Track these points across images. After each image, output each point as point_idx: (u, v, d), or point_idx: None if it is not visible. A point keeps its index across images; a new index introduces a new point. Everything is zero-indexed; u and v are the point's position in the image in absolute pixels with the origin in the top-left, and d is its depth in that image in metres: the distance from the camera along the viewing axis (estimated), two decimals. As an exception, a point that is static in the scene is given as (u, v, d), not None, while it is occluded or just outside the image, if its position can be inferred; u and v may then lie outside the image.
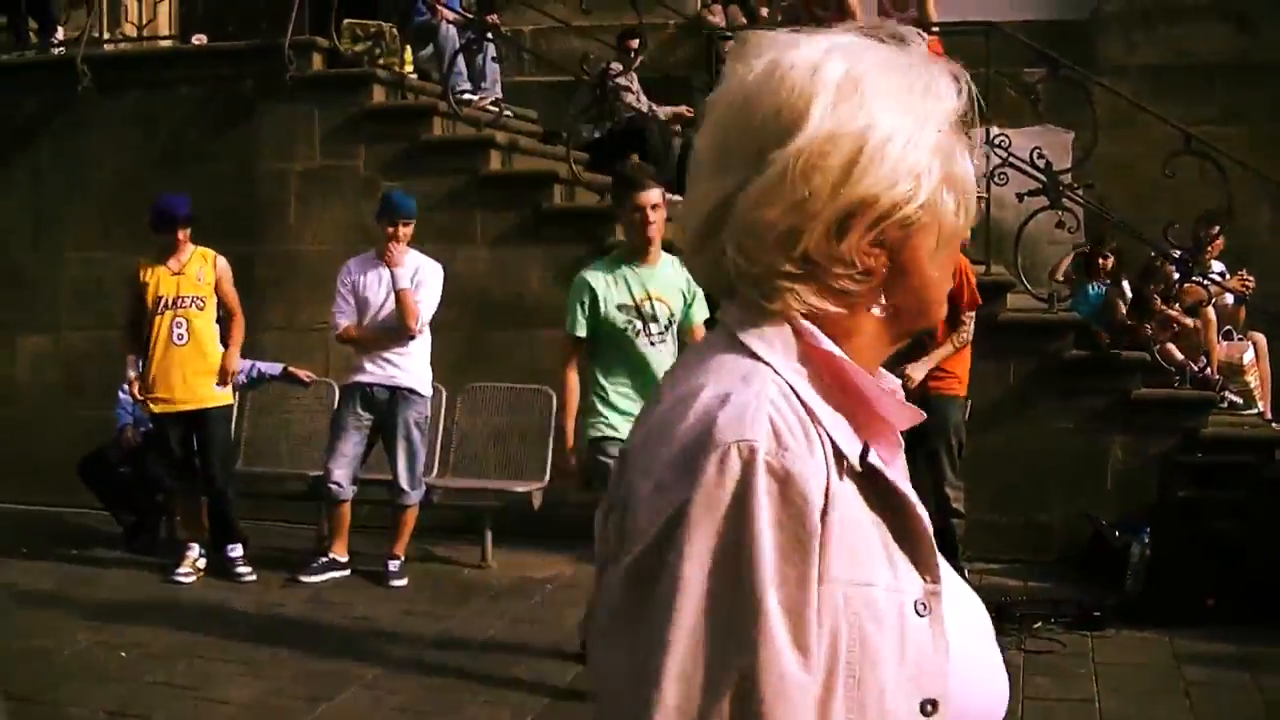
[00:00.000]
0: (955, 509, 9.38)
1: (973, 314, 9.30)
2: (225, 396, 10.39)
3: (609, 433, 7.43)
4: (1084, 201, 11.18)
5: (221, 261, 10.34)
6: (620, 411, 7.43)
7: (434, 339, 10.32)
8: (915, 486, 1.83)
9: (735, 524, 1.60)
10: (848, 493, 1.69)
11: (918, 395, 8.61)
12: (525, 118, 13.98)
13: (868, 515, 1.72)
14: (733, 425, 1.64)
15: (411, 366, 10.13)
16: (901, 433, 1.87)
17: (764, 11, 15.01)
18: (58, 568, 10.45)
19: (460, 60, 13.05)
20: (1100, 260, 12.02)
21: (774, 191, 1.71)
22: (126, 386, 10.40)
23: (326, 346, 11.49)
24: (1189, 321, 11.26)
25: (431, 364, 10.31)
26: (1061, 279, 12.41)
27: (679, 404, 1.72)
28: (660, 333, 7.53)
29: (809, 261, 1.74)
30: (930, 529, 1.79)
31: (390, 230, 10.11)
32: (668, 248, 7.69)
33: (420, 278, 10.12)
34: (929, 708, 1.71)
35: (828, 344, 1.76)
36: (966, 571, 8.84)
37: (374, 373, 10.09)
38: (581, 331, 7.55)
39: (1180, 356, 11.01)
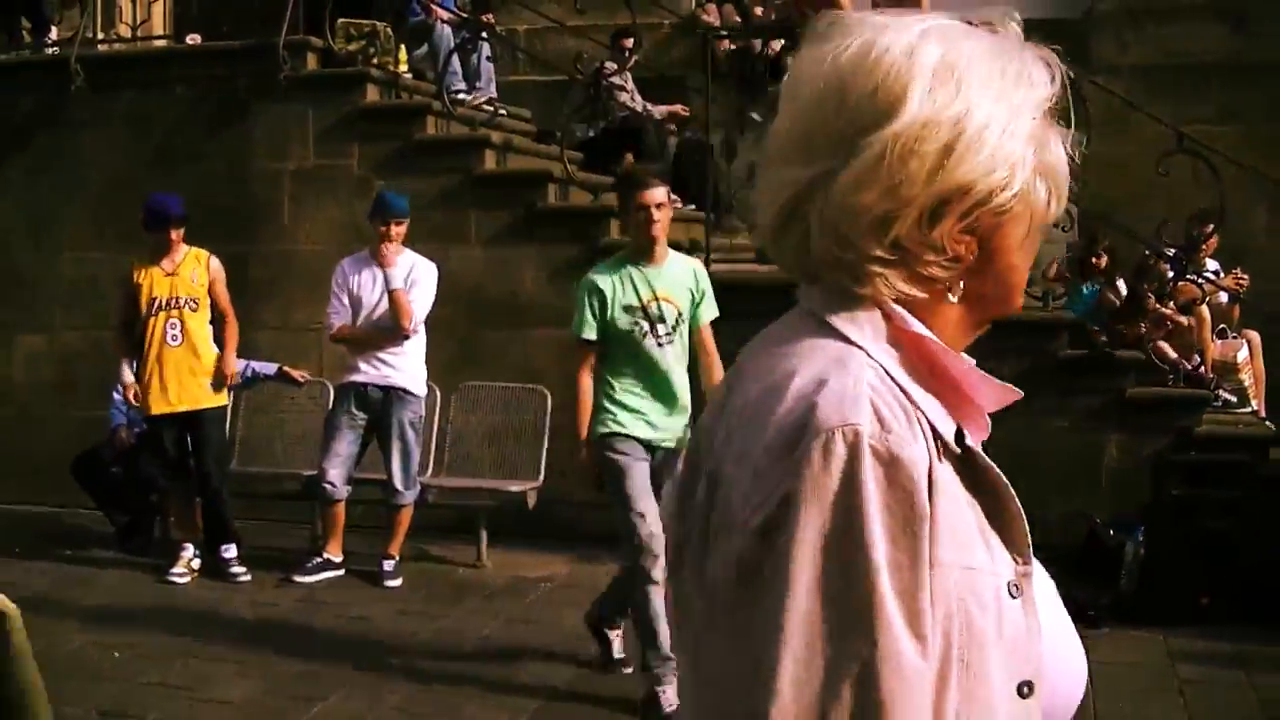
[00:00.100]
0: None
1: None
2: (220, 397, 10.38)
3: (616, 429, 7.40)
4: (1077, 200, 11.18)
5: (215, 262, 10.33)
6: (628, 409, 7.41)
7: (428, 338, 10.32)
8: None
9: (844, 510, 1.59)
10: (946, 475, 1.69)
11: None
12: (519, 117, 13.96)
13: (964, 496, 1.71)
14: (835, 410, 1.63)
15: (406, 366, 10.13)
16: None
17: (758, 11, 15.02)
18: (52, 568, 10.43)
19: (455, 60, 13.04)
20: (1094, 259, 12.01)
21: (869, 176, 1.70)
22: (121, 389, 10.39)
23: (321, 346, 11.49)
24: (1183, 319, 11.26)
25: (426, 363, 10.32)
26: (1055, 278, 12.41)
27: (771, 389, 1.71)
28: (668, 333, 7.47)
29: (900, 247, 1.73)
30: (1022, 510, 1.79)
31: (383, 230, 10.10)
32: (675, 246, 7.67)
33: (414, 277, 10.11)
34: (1025, 690, 1.72)
35: (918, 326, 1.76)
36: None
37: (368, 372, 10.09)
38: (591, 334, 7.46)
39: (1173, 355, 11.00)
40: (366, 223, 10.44)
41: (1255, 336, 11.93)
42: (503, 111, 13.25)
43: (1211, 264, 11.98)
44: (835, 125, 1.73)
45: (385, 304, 10.04)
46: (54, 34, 13.64)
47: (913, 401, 1.70)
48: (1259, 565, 8.88)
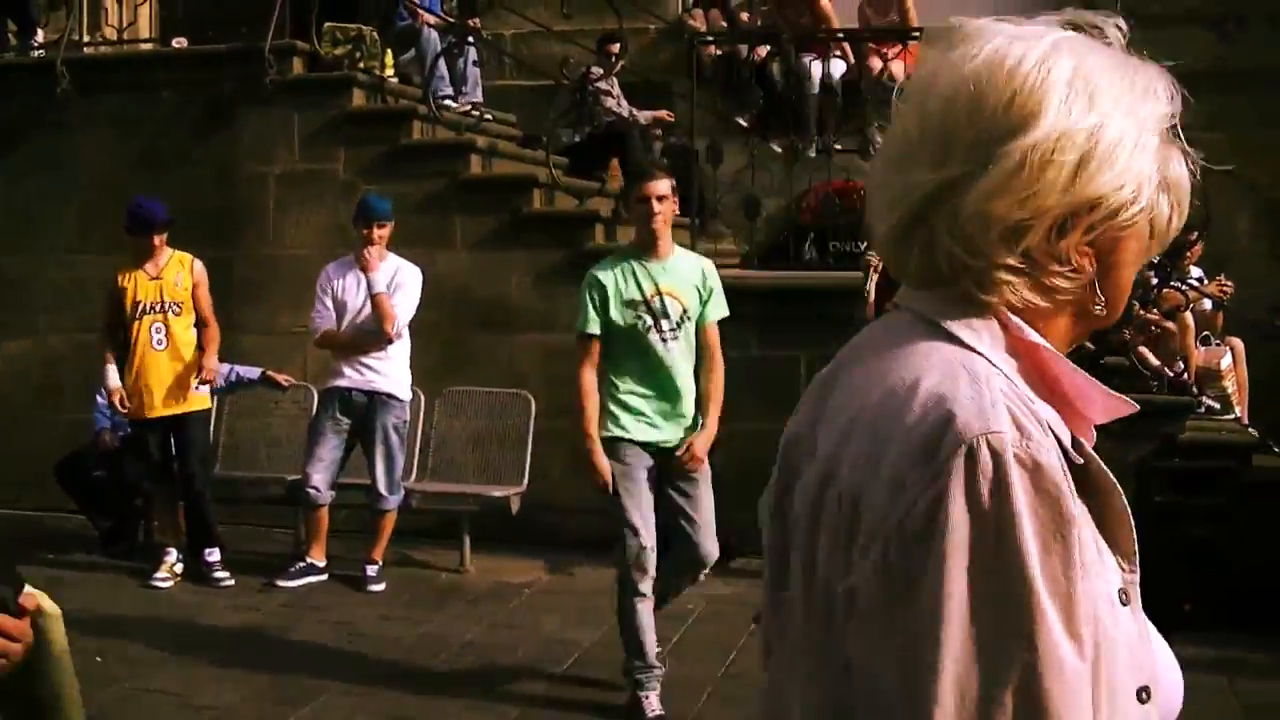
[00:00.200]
0: None
1: None
2: (204, 400, 10.37)
3: (620, 434, 7.35)
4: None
5: (198, 266, 10.32)
6: (631, 410, 7.35)
7: (413, 343, 10.32)
8: None
9: (995, 517, 1.59)
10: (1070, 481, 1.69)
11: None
12: (505, 122, 13.95)
13: (1081, 503, 1.71)
14: (976, 417, 1.63)
15: (390, 371, 10.13)
16: None
17: (744, 16, 15.03)
18: (34, 572, 10.35)
19: (441, 64, 13.04)
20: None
21: (1006, 184, 1.71)
22: (106, 393, 10.36)
23: (305, 350, 11.46)
24: (1169, 325, 11.27)
25: (410, 368, 10.31)
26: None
27: (894, 397, 1.71)
28: (672, 329, 7.37)
29: (1029, 257, 1.74)
30: (1132, 517, 1.80)
31: (366, 233, 10.11)
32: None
33: (398, 281, 10.11)
34: (1144, 695, 1.74)
35: (1034, 336, 1.77)
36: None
37: (352, 377, 10.09)
38: (594, 329, 7.36)
39: (1156, 362, 11.01)
40: (352, 227, 10.42)
41: (1238, 343, 11.94)
42: (488, 116, 13.24)
43: (1195, 271, 11.99)
44: (969, 132, 1.74)
45: (369, 308, 10.04)
46: (40, 36, 13.61)
47: (1034, 409, 1.70)
48: (1243, 572, 8.90)
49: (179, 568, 10.29)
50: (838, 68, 13.85)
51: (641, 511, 7.27)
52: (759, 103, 12.98)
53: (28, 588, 2.38)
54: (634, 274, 7.39)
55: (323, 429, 10.21)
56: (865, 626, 1.66)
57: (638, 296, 7.35)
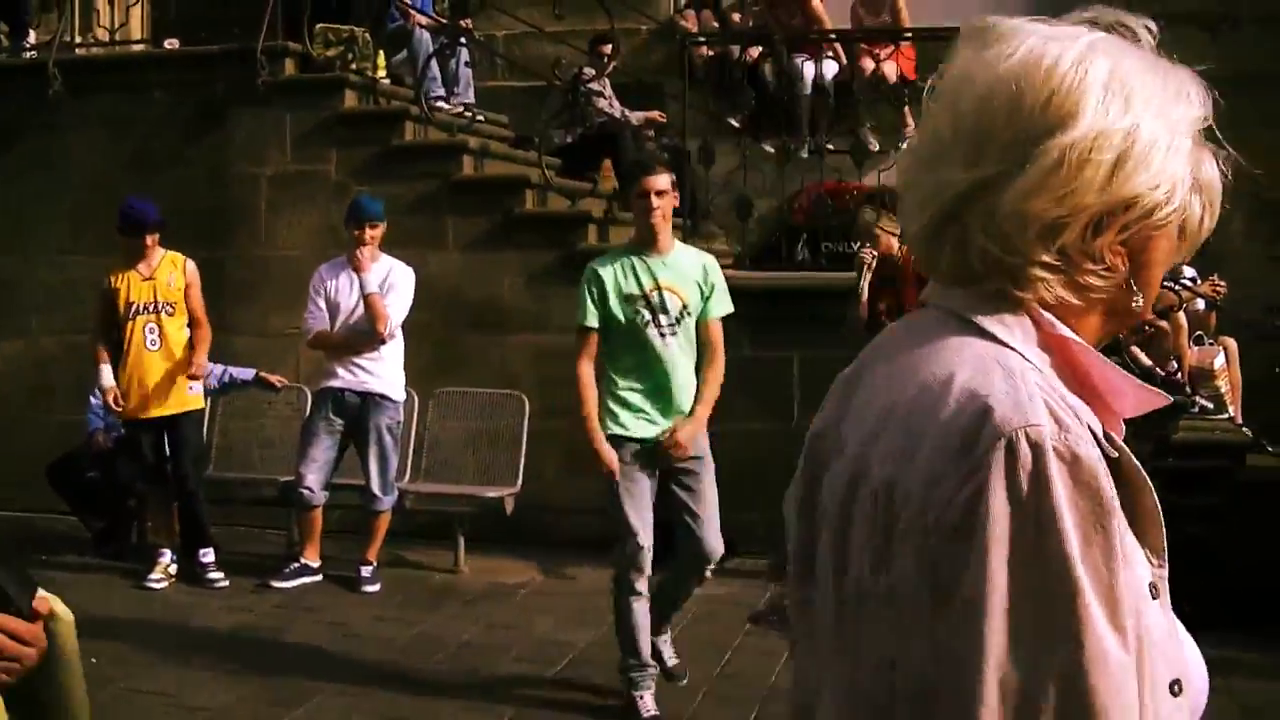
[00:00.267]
0: None
1: None
2: (197, 401, 10.37)
3: (620, 432, 7.32)
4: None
5: (191, 266, 10.32)
6: (631, 407, 7.32)
7: (406, 343, 10.31)
8: None
9: (1035, 509, 1.60)
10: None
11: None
12: (497, 122, 13.95)
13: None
14: (1014, 411, 1.64)
15: (383, 372, 10.13)
16: None
17: (736, 17, 15.04)
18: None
19: (434, 65, 13.05)
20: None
21: (1044, 183, 1.72)
22: (99, 394, 10.35)
23: (298, 351, 11.46)
24: (1163, 324, 11.27)
25: (404, 368, 10.31)
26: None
27: (928, 392, 1.72)
28: (671, 324, 7.33)
29: (1065, 254, 1.76)
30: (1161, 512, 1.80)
31: (357, 233, 10.11)
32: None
33: (391, 281, 10.11)
34: (1176, 688, 1.74)
35: (1065, 330, 1.79)
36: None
37: (346, 378, 10.09)
38: (592, 322, 7.34)
39: (1148, 361, 11.02)
40: (344, 228, 10.41)
41: (1232, 343, 11.95)
42: (480, 117, 13.24)
43: (1188, 271, 11.99)
44: (1006, 132, 1.75)
45: (362, 309, 10.04)
46: (32, 38, 13.60)
47: (1069, 402, 1.71)
48: (1237, 572, 8.89)
49: (173, 569, 10.28)
50: (830, 68, 13.86)
51: (640, 512, 7.25)
52: (751, 103, 12.97)
53: (40, 591, 2.37)
54: (634, 269, 7.36)
55: (316, 430, 10.20)
56: (906, 622, 1.66)
57: (636, 291, 7.32)
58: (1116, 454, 1.72)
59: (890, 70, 13.10)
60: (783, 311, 10.75)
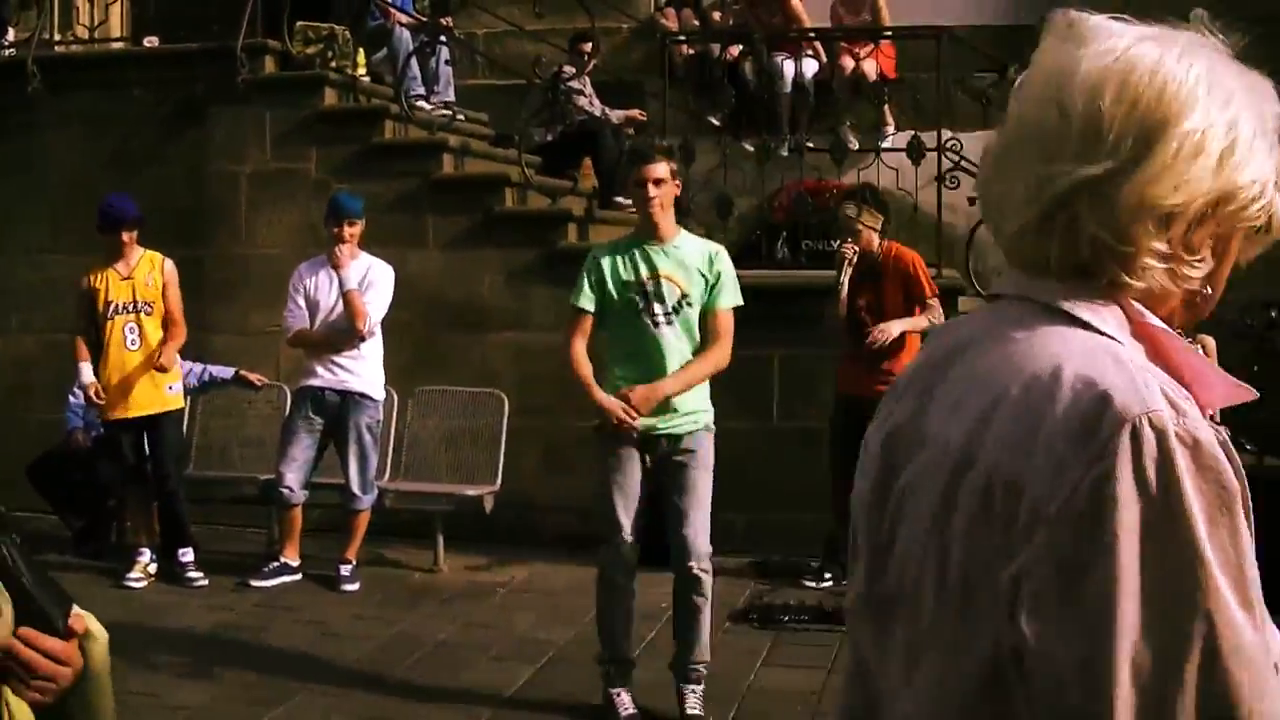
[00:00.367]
0: None
1: (936, 300, 9.43)
2: (177, 401, 10.35)
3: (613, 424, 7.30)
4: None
5: (169, 265, 10.30)
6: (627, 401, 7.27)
7: (385, 342, 10.31)
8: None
9: (1163, 495, 1.61)
10: None
11: (868, 388, 8.59)
12: (477, 121, 13.93)
13: None
14: (1134, 398, 1.65)
15: (363, 370, 10.12)
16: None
17: (716, 16, 15.05)
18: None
19: (414, 63, 13.04)
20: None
21: (1162, 172, 1.74)
22: (79, 391, 10.33)
23: (278, 350, 11.44)
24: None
25: (383, 367, 10.30)
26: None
27: (1039, 381, 1.72)
28: (667, 313, 7.23)
29: (1173, 244, 1.78)
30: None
31: (336, 231, 10.11)
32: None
33: (370, 279, 10.11)
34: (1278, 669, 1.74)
35: (1156, 321, 1.81)
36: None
37: (325, 377, 10.08)
38: (587, 304, 7.30)
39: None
40: (323, 226, 10.40)
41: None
42: (460, 115, 13.22)
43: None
44: (1122, 124, 1.76)
45: (341, 307, 10.04)
46: (11, 35, 13.57)
47: (1178, 389, 1.73)
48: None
49: (152, 568, 10.27)
50: (810, 67, 13.87)
51: (628, 508, 7.21)
52: (731, 102, 12.98)
53: (75, 609, 2.36)
54: (632, 256, 7.31)
55: (296, 428, 10.20)
56: (1036, 610, 1.66)
57: (633, 278, 7.26)
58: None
59: (870, 68, 13.13)
60: (762, 310, 10.69)
